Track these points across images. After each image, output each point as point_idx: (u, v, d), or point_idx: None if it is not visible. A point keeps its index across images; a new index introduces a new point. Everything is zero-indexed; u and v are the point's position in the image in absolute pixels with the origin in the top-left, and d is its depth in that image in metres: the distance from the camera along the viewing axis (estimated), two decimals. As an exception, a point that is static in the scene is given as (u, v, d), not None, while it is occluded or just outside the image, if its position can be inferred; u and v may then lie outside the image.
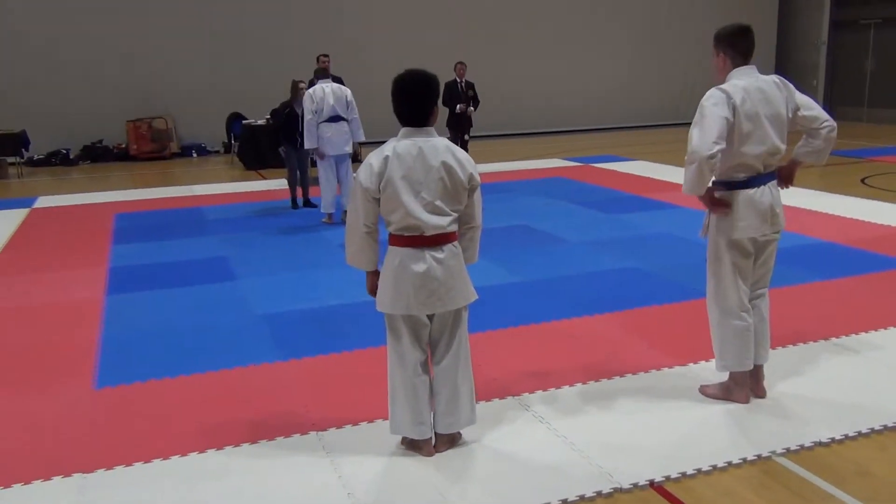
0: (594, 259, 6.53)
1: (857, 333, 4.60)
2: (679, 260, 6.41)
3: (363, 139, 8.50)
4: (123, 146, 14.97)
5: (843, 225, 7.48)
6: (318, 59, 11.34)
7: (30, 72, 14.28)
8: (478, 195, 3.26)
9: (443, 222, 3.13)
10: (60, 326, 5.24)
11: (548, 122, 17.73)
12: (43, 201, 10.31)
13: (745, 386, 3.75)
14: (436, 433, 3.37)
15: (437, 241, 3.15)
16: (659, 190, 9.66)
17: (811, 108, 3.66)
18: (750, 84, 3.52)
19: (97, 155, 14.84)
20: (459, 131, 10.79)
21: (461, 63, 10.87)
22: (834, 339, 4.52)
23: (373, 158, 3.14)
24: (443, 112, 10.37)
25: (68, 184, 12.36)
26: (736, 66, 3.59)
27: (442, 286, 3.15)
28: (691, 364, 4.22)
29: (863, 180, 10.17)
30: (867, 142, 14.34)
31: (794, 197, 8.88)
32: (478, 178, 3.21)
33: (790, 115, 3.59)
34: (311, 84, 8.99)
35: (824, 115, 3.66)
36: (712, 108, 3.45)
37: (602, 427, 3.57)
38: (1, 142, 13.12)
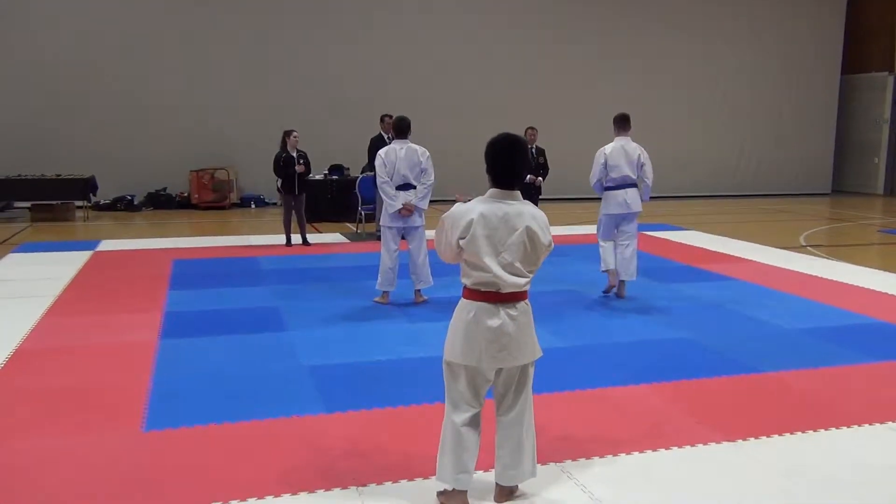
0: (644, 328, 6.47)
1: (915, 419, 4.45)
2: (732, 333, 6.30)
3: (425, 207, 7.19)
4: (185, 195, 15.45)
5: (903, 306, 7.28)
6: (381, 118, 11.12)
7: (103, 121, 14.96)
8: None
9: (520, 282, 3.23)
10: (113, 368, 5.35)
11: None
12: (106, 244, 10.63)
13: (613, 283, 7.51)
14: (497, 485, 3.41)
15: (512, 298, 3.23)
16: (714, 261, 9.56)
17: (646, 170, 7.32)
18: (619, 144, 7.27)
19: (160, 202, 15.34)
20: (527, 199, 10.36)
21: (532, 128, 10.33)
22: (890, 423, 4.37)
23: (458, 216, 3.22)
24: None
25: (131, 229, 12.75)
26: (617, 134, 7.30)
27: (513, 342, 3.22)
28: (740, 440, 4.12)
29: (925, 261, 9.92)
30: (931, 222, 14.02)
31: (851, 276, 8.79)
32: (553, 245, 3.34)
33: (638, 164, 7.29)
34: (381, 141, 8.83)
35: (647, 175, 7.33)
36: (596, 160, 7.32)
37: (644, 500, 3.49)
38: (71, 186, 13.68)
